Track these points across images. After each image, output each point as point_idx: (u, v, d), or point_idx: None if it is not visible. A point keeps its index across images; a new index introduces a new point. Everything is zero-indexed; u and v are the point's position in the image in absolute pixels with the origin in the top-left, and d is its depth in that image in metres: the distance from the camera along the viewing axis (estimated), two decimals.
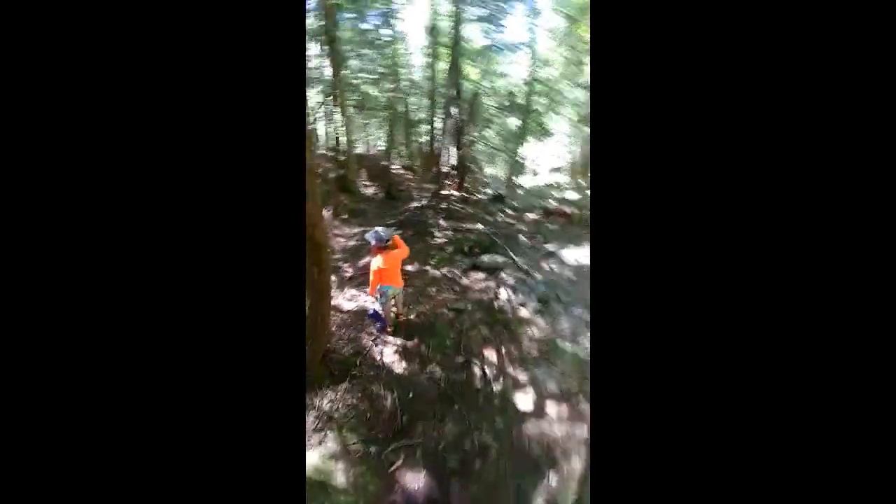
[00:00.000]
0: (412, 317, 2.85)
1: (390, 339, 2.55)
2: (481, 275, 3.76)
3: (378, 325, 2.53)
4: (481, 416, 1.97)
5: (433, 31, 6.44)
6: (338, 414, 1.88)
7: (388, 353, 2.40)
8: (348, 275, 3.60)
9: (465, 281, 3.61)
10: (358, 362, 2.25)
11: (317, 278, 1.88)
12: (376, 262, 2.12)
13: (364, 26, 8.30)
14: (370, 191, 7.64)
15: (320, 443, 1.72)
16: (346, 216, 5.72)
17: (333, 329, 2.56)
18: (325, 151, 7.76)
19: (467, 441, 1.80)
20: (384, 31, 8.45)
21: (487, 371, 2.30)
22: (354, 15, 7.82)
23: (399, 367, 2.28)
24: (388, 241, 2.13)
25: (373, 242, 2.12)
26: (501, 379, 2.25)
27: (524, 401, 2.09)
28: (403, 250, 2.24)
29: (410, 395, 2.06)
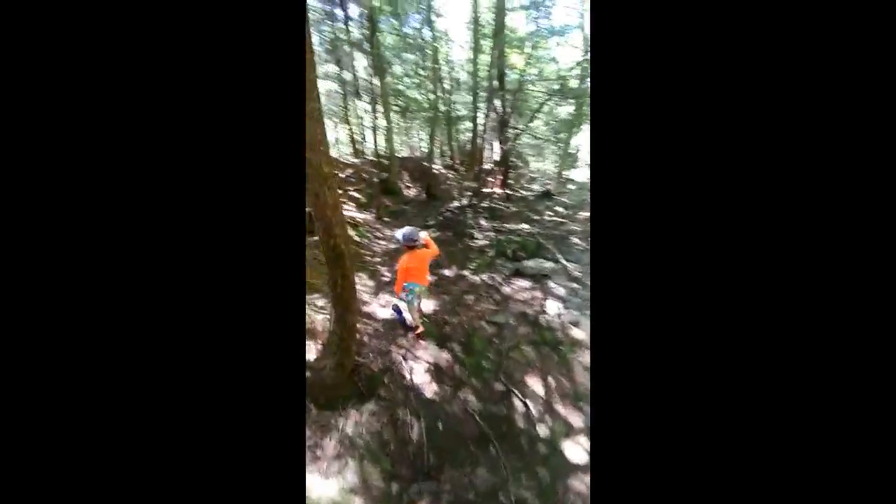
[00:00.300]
0: (447, 328, 2.60)
1: (421, 353, 2.34)
2: (526, 282, 3.33)
3: (399, 319, 2.47)
4: (521, 463, 1.61)
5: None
6: (361, 440, 1.72)
7: (419, 372, 2.18)
8: (386, 279, 3.52)
9: (506, 289, 3.23)
10: (386, 380, 2.09)
11: (341, 290, 1.75)
12: (403, 260, 2.08)
13: (405, 30, 8.42)
14: (412, 192, 7.68)
15: (339, 472, 1.57)
16: (388, 218, 5.79)
17: (365, 339, 2.46)
18: (371, 157, 8.04)
19: (502, 493, 1.47)
20: (425, 33, 8.46)
21: (531, 407, 1.91)
22: (395, 21, 7.98)
23: (429, 389, 2.05)
24: (416, 241, 2.06)
25: (401, 241, 2.07)
26: (548, 418, 1.85)
27: (574, 450, 1.67)
28: (433, 250, 2.19)
29: (440, 427, 1.81)
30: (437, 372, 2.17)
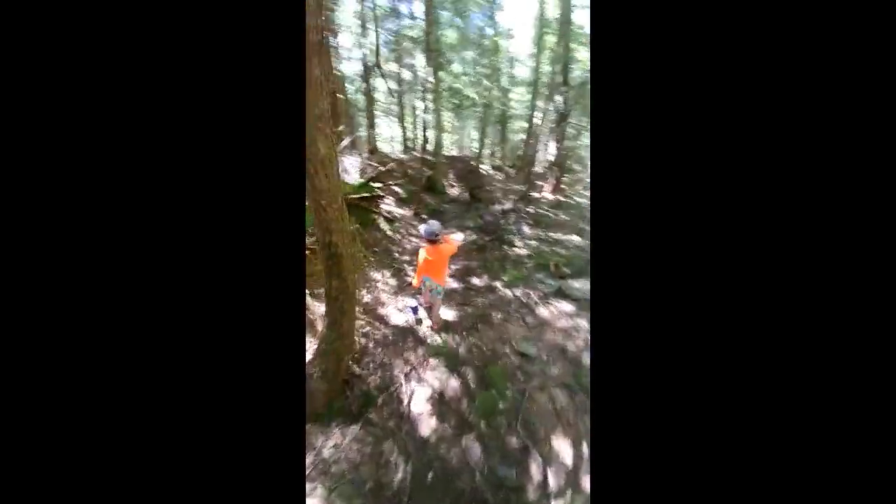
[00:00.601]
0: (462, 349, 2.23)
1: (427, 376, 2.01)
2: (568, 306, 2.75)
3: (415, 317, 2.41)
4: None
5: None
6: (336, 468, 1.48)
7: (420, 398, 1.86)
8: (410, 278, 3.30)
9: (542, 311, 2.70)
10: (380, 401, 1.81)
11: (336, 293, 1.53)
12: (423, 252, 2.11)
13: (467, 27, 8.25)
14: (455, 191, 7.44)
15: (307, 496, 1.34)
16: (426, 216, 5.63)
17: (371, 346, 2.23)
18: (420, 154, 8.04)
19: None
20: (487, 31, 8.16)
21: (551, 477, 1.44)
22: (459, 19, 7.84)
23: (427, 424, 1.71)
24: (437, 235, 2.06)
25: (423, 235, 2.09)
26: (569, 494, 1.36)
27: None
28: (452, 246, 2.19)
29: (430, 476, 1.46)
30: (440, 403, 1.82)
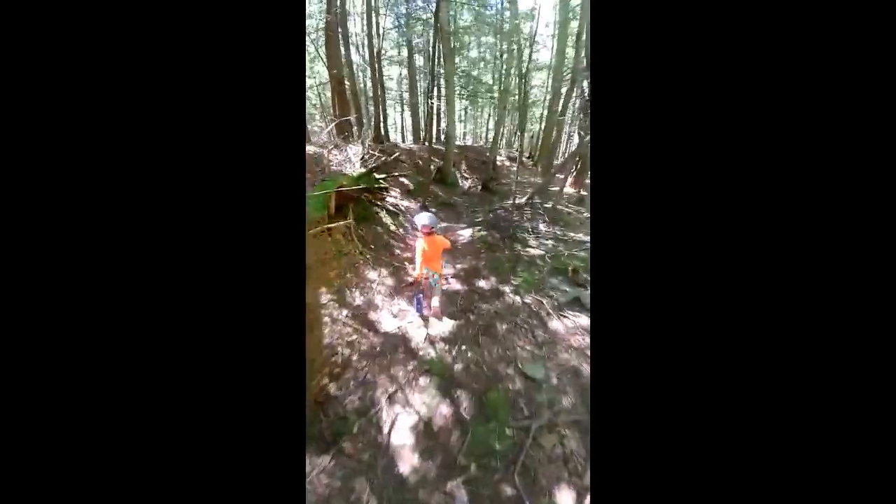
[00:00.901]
0: (458, 367, 1.94)
1: (416, 398, 1.75)
2: (586, 320, 2.38)
3: (420, 310, 2.29)
4: None
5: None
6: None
7: (403, 427, 1.59)
8: (409, 279, 3.03)
9: (555, 325, 2.35)
10: (357, 428, 1.56)
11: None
12: (421, 243, 2.10)
13: (484, 9, 7.72)
14: (468, 183, 7.07)
15: None
16: (434, 209, 5.33)
17: (355, 358, 1.99)
18: (432, 144, 7.68)
19: None
20: (506, 14, 7.60)
21: None
22: (476, 1, 7.32)
23: (408, 461, 1.44)
24: (433, 228, 2.08)
25: (419, 227, 2.09)
26: None
27: None
28: (445, 239, 2.19)
29: None
30: (425, 435, 1.55)
